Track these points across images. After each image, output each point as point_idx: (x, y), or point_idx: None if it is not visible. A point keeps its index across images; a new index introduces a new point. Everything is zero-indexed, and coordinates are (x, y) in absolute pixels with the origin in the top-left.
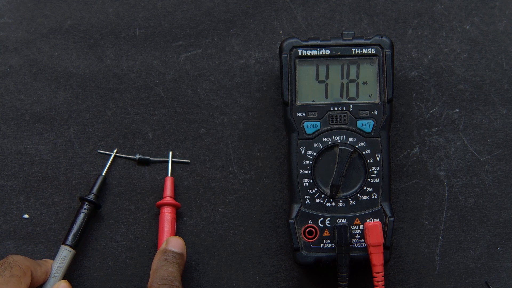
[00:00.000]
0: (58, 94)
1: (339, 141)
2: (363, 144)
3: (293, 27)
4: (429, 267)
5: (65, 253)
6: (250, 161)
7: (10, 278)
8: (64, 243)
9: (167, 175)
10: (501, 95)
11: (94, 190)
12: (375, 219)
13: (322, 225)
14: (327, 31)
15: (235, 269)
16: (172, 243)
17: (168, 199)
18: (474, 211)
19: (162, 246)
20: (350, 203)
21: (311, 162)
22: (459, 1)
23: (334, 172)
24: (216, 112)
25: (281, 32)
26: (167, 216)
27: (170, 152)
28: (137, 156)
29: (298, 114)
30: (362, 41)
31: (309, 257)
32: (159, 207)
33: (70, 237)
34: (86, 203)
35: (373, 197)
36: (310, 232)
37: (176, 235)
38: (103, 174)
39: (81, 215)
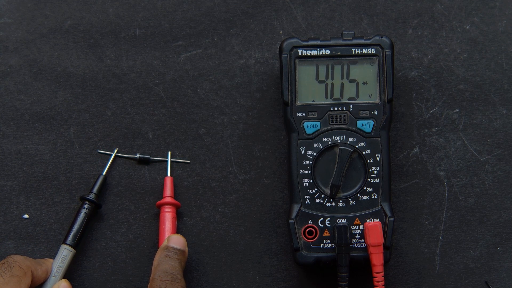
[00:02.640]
0: (58, 94)
1: (339, 141)
2: (363, 144)
3: (293, 27)
4: (429, 267)
5: (65, 253)
6: (250, 161)
7: (11, 278)
8: (64, 242)
9: (166, 175)
10: (501, 95)
11: (95, 189)
12: (375, 219)
13: (322, 225)
14: (327, 31)
15: (235, 269)
16: (173, 240)
17: (168, 199)
18: (474, 211)
19: (164, 243)
20: (350, 203)
21: (311, 162)
22: (459, 1)
23: (334, 172)
24: (216, 112)
25: (281, 32)
26: (167, 215)
27: (169, 153)
28: (138, 155)
29: (298, 114)
30: (362, 41)
31: (309, 257)
32: (159, 206)
33: (70, 237)
34: (87, 202)
35: (373, 197)
36: (310, 232)
37: None
38: (104, 173)
39: (82, 215)
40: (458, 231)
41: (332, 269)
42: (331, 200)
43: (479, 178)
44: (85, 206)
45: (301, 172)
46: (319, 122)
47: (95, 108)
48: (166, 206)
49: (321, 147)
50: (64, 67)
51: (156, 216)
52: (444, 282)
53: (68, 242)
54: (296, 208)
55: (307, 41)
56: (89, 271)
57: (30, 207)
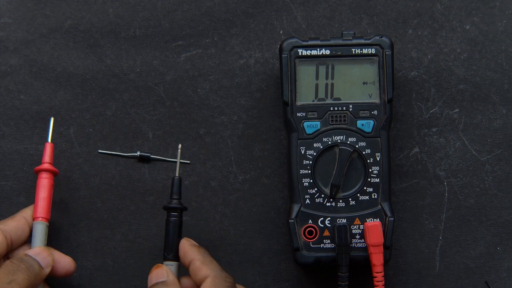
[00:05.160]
0: (58, 94)
1: (339, 141)
2: (363, 144)
3: (293, 27)
4: (429, 267)
5: (173, 268)
6: (250, 161)
7: None
8: (165, 259)
9: (47, 141)
10: (501, 95)
11: (175, 195)
12: (375, 219)
13: (322, 225)
14: (327, 31)
15: (235, 269)
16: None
17: (46, 165)
18: (474, 211)
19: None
20: (350, 203)
21: (311, 162)
22: (459, 1)
23: (334, 172)
24: (216, 112)
25: (281, 32)
26: (43, 182)
27: (52, 119)
28: (138, 153)
29: (298, 114)
30: (362, 41)
31: (309, 257)
32: (37, 172)
33: (168, 251)
34: (173, 211)
35: (373, 197)
36: (310, 232)
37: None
38: (177, 175)
39: (171, 225)
40: (458, 231)
41: (332, 269)
42: (331, 200)
43: (479, 178)
44: (174, 214)
45: (301, 172)
46: (319, 122)
47: (95, 108)
48: (43, 172)
49: (321, 147)
50: (64, 67)
51: (157, 216)
52: (444, 282)
53: (169, 257)
54: (296, 208)
55: (307, 41)
56: (89, 271)
57: None
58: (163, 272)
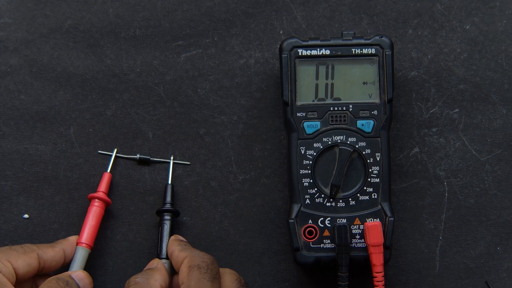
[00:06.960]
0: (58, 94)
1: (339, 141)
2: (363, 144)
3: (293, 27)
4: (429, 267)
5: (167, 266)
6: (250, 161)
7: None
8: (159, 257)
9: (106, 171)
10: (501, 95)
11: (168, 199)
12: (375, 219)
13: (322, 225)
14: (327, 31)
15: (235, 269)
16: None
17: (101, 194)
18: (474, 211)
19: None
20: (350, 203)
21: (311, 162)
22: (459, 1)
23: (334, 172)
24: (216, 112)
25: (281, 32)
26: (95, 210)
27: (115, 149)
28: (138, 156)
29: (298, 114)
30: (362, 41)
31: (309, 257)
32: (90, 199)
33: (163, 251)
34: (165, 214)
35: (373, 197)
36: (310, 232)
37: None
38: (170, 182)
39: (165, 227)
40: (458, 231)
41: (332, 269)
42: (331, 200)
43: (479, 178)
44: (165, 217)
45: (301, 172)
46: (319, 122)
47: (95, 108)
48: (96, 200)
49: (321, 147)
50: (64, 67)
51: (156, 218)
52: (444, 282)
53: (161, 257)
54: (296, 208)
55: (307, 41)
56: (89, 271)
57: (30, 207)
58: (154, 262)
